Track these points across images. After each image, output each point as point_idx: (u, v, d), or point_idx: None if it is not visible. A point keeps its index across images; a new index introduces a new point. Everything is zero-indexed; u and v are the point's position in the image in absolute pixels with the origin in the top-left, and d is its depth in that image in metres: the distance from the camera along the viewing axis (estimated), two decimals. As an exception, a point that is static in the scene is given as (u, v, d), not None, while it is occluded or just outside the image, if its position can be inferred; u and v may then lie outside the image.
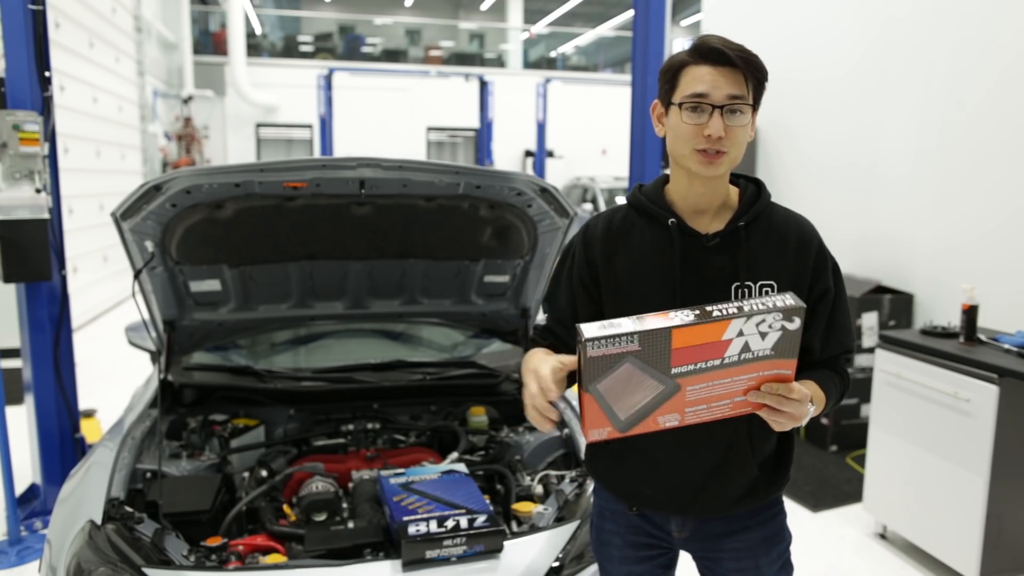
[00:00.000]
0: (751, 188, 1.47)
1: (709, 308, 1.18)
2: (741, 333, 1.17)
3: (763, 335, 1.17)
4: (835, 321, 1.46)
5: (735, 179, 1.49)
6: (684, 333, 1.15)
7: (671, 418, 1.23)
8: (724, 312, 1.16)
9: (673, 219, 1.42)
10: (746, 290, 1.39)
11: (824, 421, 4.32)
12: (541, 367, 1.33)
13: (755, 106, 1.36)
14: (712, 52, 1.32)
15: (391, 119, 16.93)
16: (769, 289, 1.39)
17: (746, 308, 1.16)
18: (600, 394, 1.19)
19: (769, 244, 1.41)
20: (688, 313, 1.17)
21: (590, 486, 2.13)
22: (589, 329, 1.17)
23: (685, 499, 1.48)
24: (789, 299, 1.18)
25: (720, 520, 1.51)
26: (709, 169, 1.35)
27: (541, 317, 3.48)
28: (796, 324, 1.17)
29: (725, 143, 1.32)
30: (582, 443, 2.37)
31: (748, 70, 1.32)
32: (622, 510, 1.57)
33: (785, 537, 1.57)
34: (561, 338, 1.52)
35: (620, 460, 1.53)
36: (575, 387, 1.30)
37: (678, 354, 1.16)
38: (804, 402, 1.25)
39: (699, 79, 1.32)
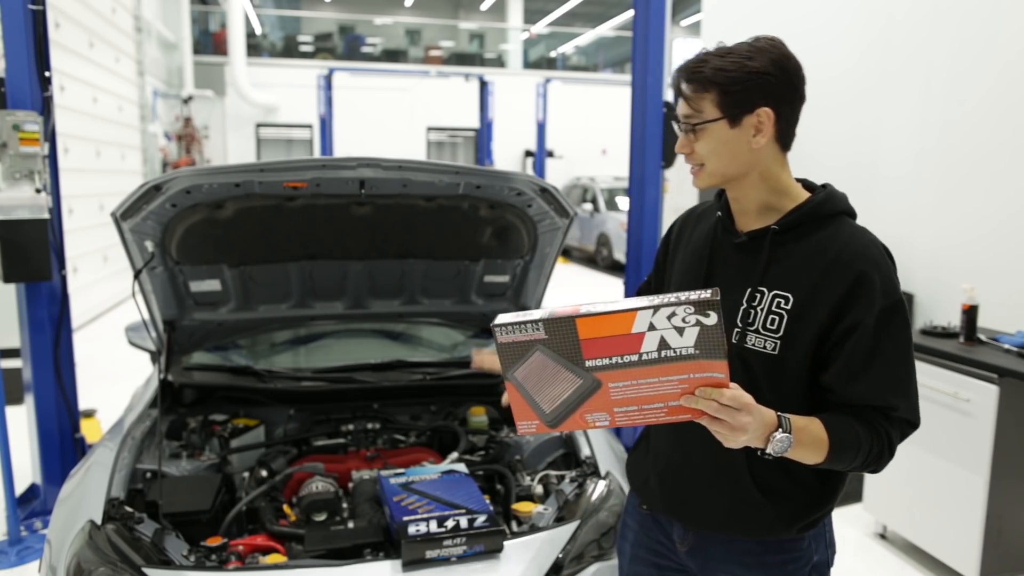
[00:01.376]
0: (818, 195, 1.38)
1: (618, 300, 1.16)
2: (653, 327, 1.11)
3: (679, 331, 1.11)
4: (871, 367, 1.26)
5: (813, 186, 1.42)
6: (590, 323, 1.13)
7: (600, 417, 1.20)
8: (632, 304, 1.12)
9: (720, 213, 1.45)
10: (758, 295, 1.33)
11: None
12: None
13: (732, 114, 1.30)
14: (676, 78, 1.36)
15: (391, 119, 16.93)
16: (782, 301, 1.30)
17: (656, 300, 1.12)
18: (519, 383, 1.19)
19: (801, 256, 1.32)
20: (598, 304, 1.15)
21: (590, 486, 2.13)
22: (502, 316, 1.18)
23: (679, 501, 1.46)
24: (705, 293, 1.11)
25: (720, 544, 1.42)
26: (696, 181, 1.40)
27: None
28: (713, 319, 1.09)
29: (694, 157, 1.36)
30: (583, 443, 2.38)
31: (700, 87, 1.31)
32: (636, 503, 1.59)
33: None
34: None
35: (640, 454, 1.58)
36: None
37: (588, 345, 1.13)
38: (745, 411, 1.13)
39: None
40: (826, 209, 1.35)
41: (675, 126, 1.39)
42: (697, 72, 1.32)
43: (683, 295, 1.11)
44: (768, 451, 1.19)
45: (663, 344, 1.12)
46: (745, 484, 1.37)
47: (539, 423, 1.23)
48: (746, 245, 1.38)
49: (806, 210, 1.34)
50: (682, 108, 1.36)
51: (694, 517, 1.46)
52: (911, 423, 1.32)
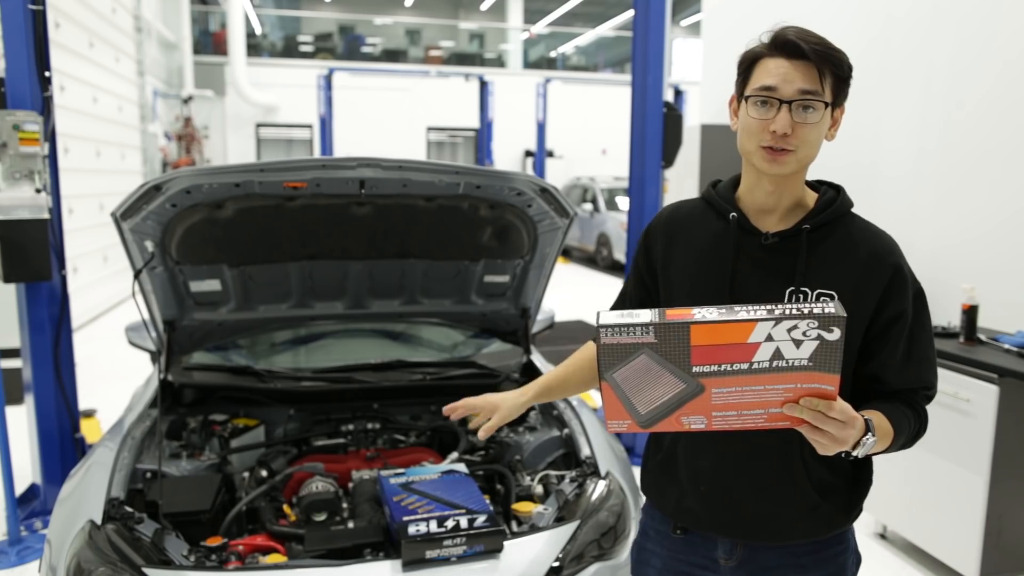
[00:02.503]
0: (830, 193, 1.38)
1: (737, 308, 1.12)
2: (771, 338, 1.09)
3: (797, 343, 1.09)
4: (913, 351, 1.33)
5: (818, 184, 1.41)
6: (705, 330, 1.10)
7: (697, 420, 1.17)
8: (751, 314, 1.10)
9: (735, 214, 1.36)
10: (801, 296, 1.30)
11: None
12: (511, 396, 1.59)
13: (835, 103, 1.28)
14: (787, 44, 1.25)
15: (391, 119, 16.93)
16: (827, 299, 1.28)
17: (776, 311, 1.09)
18: (617, 383, 1.15)
19: (835, 253, 1.31)
20: (713, 310, 1.11)
21: (590, 486, 2.13)
22: (607, 316, 1.13)
23: (732, 518, 1.38)
24: (830, 307, 1.09)
25: (773, 551, 1.38)
26: (773, 167, 1.28)
27: (543, 317, 3.49)
28: (836, 335, 1.08)
29: (792, 141, 1.25)
30: (583, 443, 2.37)
31: (824, 64, 1.24)
32: (667, 531, 1.47)
33: None
34: None
35: (666, 471, 1.45)
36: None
37: (699, 352, 1.10)
38: (850, 425, 1.13)
39: (770, 72, 1.26)
40: (846, 206, 1.37)
41: (761, 99, 1.26)
42: (823, 47, 1.24)
43: (805, 307, 1.09)
44: (856, 454, 1.20)
45: (776, 355, 1.10)
46: (804, 489, 1.35)
47: (631, 423, 1.19)
48: (777, 246, 1.33)
49: (833, 208, 1.34)
50: (800, 81, 1.24)
51: (749, 531, 1.38)
52: (933, 388, 1.39)
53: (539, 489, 2.31)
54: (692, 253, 1.41)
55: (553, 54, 21.11)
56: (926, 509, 3.08)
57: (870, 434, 1.19)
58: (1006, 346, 2.94)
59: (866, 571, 3.32)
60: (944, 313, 3.70)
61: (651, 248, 1.47)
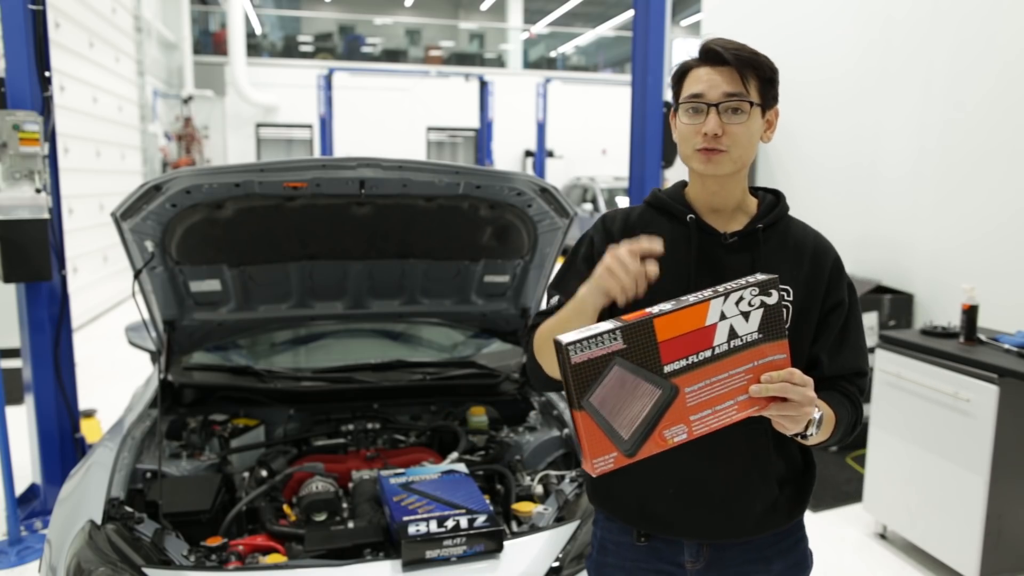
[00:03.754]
0: (769, 197, 1.47)
1: (686, 296, 1.15)
2: (723, 316, 1.14)
3: (746, 315, 1.15)
4: (847, 338, 1.42)
5: (755, 191, 1.48)
6: (666, 321, 1.11)
7: (678, 431, 1.15)
8: (701, 296, 1.14)
9: (692, 216, 1.41)
10: None
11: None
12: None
13: (764, 104, 1.35)
14: (709, 53, 1.33)
15: (391, 119, 16.93)
16: (784, 294, 1.33)
17: (721, 289, 1.14)
18: (595, 409, 1.11)
19: (785, 251, 1.40)
20: (666, 304, 1.14)
21: (590, 486, 2.13)
22: (567, 335, 1.09)
23: (700, 519, 1.38)
24: (760, 275, 1.16)
25: (738, 548, 1.41)
26: (709, 167, 1.34)
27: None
28: (774, 297, 1.15)
29: (724, 141, 1.31)
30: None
31: (745, 67, 1.31)
32: (628, 542, 1.46)
33: (808, 566, 1.49)
34: None
35: (626, 474, 1.37)
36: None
37: (666, 347, 1.12)
38: (808, 386, 1.19)
39: (698, 80, 1.34)
40: (786, 208, 1.46)
41: (692, 107, 1.32)
42: (743, 53, 1.31)
43: (742, 280, 1.15)
44: (809, 433, 1.25)
45: (732, 333, 1.15)
46: (768, 483, 1.39)
47: (617, 455, 1.15)
48: (737, 244, 1.39)
49: (778, 210, 1.43)
50: (725, 85, 1.31)
51: (718, 531, 1.39)
52: (865, 375, 1.46)
53: (539, 489, 2.31)
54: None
55: (553, 54, 21.11)
56: (926, 509, 3.08)
57: (817, 411, 1.25)
58: (1006, 346, 2.94)
59: (866, 571, 3.32)
60: (944, 313, 3.71)
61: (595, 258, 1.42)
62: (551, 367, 1.34)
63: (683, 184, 1.49)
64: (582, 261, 1.47)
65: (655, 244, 1.23)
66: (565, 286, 1.45)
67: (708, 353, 1.14)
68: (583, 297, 1.28)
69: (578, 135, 17.47)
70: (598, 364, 1.10)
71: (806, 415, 1.21)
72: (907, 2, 4.08)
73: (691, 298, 1.14)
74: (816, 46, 4.72)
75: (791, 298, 1.36)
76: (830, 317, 1.40)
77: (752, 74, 1.33)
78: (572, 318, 1.28)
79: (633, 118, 4.33)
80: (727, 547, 1.41)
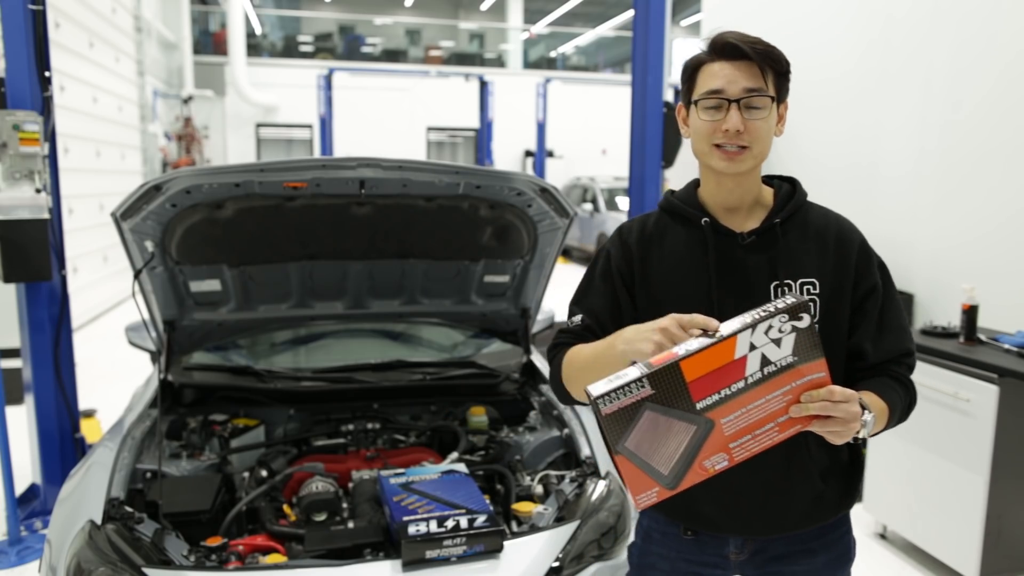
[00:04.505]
0: (786, 187, 1.43)
1: (711, 331, 1.12)
2: (753, 347, 1.11)
3: (777, 342, 1.11)
4: (886, 320, 1.38)
5: (769, 179, 1.45)
6: (694, 362, 1.09)
7: (718, 459, 1.15)
8: (727, 331, 1.11)
9: (706, 219, 1.38)
10: (786, 288, 1.33)
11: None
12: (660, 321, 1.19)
13: (779, 98, 1.33)
14: (726, 47, 1.30)
15: (391, 119, 16.93)
16: (811, 287, 1.33)
17: (748, 319, 1.11)
18: (632, 452, 1.12)
19: (807, 242, 1.36)
20: (692, 341, 1.11)
21: (590, 486, 2.13)
22: (596, 387, 1.10)
23: (746, 517, 1.40)
24: (790, 298, 1.13)
25: (782, 540, 1.42)
26: (731, 166, 1.31)
27: (543, 317, 3.49)
28: (806, 321, 1.11)
29: (745, 138, 1.29)
30: (583, 443, 2.37)
31: (765, 62, 1.29)
32: (675, 533, 1.47)
33: (851, 557, 1.49)
34: (595, 335, 1.41)
35: None
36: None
37: (696, 386, 1.10)
38: (852, 401, 1.16)
39: (714, 75, 1.30)
40: (803, 196, 1.42)
41: (710, 103, 1.29)
42: (760, 46, 1.29)
43: (770, 307, 1.12)
44: (861, 435, 1.22)
45: (764, 361, 1.12)
46: (811, 478, 1.38)
47: (659, 489, 1.16)
48: (754, 244, 1.36)
49: (795, 200, 1.40)
50: (744, 80, 1.28)
51: (763, 528, 1.40)
52: (912, 354, 1.42)
53: (539, 489, 2.31)
54: (668, 263, 1.40)
55: (553, 54, 21.11)
56: (926, 509, 3.08)
57: (867, 411, 1.22)
58: (1006, 346, 2.94)
59: (866, 571, 3.33)
60: (944, 313, 3.70)
61: (630, 260, 1.43)
62: (579, 394, 1.36)
63: (695, 184, 1.46)
64: (600, 276, 1.47)
65: (710, 323, 1.14)
66: (587, 304, 1.46)
67: (741, 384, 1.12)
68: (619, 352, 1.22)
69: (578, 135, 17.46)
70: (629, 412, 1.10)
71: (852, 430, 1.18)
72: (907, 2, 4.08)
73: (719, 332, 1.11)
74: (816, 46, 4.72)
75: (817, 291, 1.34)
76: (866, 304, 1.37)
77: (770, 67, 1.30)
78: (602, 367, 1.22)
79: (633, 118, 4.33)
80: (771, 540, 1.42)
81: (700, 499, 1.40)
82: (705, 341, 1.10)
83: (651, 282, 1.41)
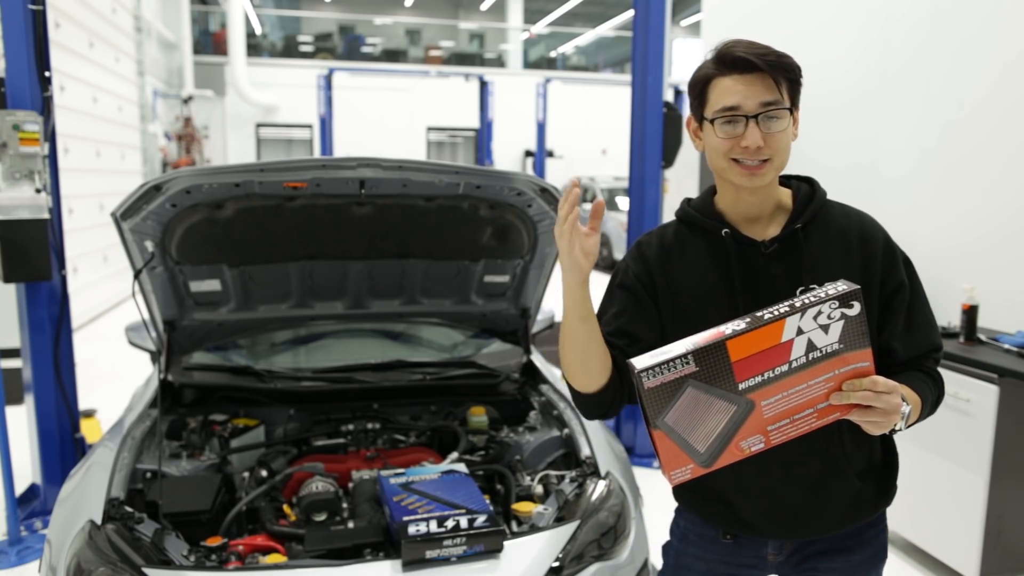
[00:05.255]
0: (804, 188, 1.41)
1: (760, 313, 1.11)
2: (800, 331, 1.10)
3: (825, 328, 1.10)
4: (914, 317, 1.37)
5: (786, 180, 1.43)
6: (740, 342, 1.09)
7: (755, 441, 1.15)
8: (776, 312, 1.10)
9: (727, 229, 1.36)
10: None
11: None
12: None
13: (793, 106, 1.31)
14: (736, 61, 1.26)
15: (391, 119, 16.93)
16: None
17: (798, 304, 1.10)
18: (671, 427, 1.12)
19: (831, 244, 1.35)
20: (739, 322, 1.11)
21: (590, 486, 2.13)
22: (640, 360, 1.10)
23: (785, 520, 1.39)
24: (841, 285, 1.11)
25: (820, 540, 1.42)
26: (753, 180, 1.29)
27: (543, 317, 3.49)
28: (856, 309, 1.10)
29: (766, 151, 1.27)
30: (583, 443, 2.37)
31: (777, 72, 1.26)
32: (712, 535, 1.47)
33: (885, 555, 1.50)
34: (619, 347, 1.37)
35: (708, 486, 1.40)
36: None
37: (740, 366, 1.10)
38: (894, 393, 1.16)
39: (728, 91, 1.27)
40: (823, 196, 1.41)
41: (727, 119, 1.26)
42: (771, 56, 1.26)
43: (821, 292, 1.11)
44: (899, 427, 1.23)
45: (810, 346, 1.11)
46: (848, 478, 1.38)
47: (694, 466, 1.16)
48: (777, 252, 1.34)
49: (815, 202, 1.38)
50: (760, 94, 1.25)
51: (803, 530, 1.40)
52: (939, 349, 1.43)
53: (539, 489, 2.31)
54: (692, 275, 1.39)
55: (553, 54, 21.11)
56: (926, 509, 3.08)
57: (905, 403, 1.22)
58: (1006, 346, 2.94)
59: (866, 571, 3.30)
60: (944, 313, 3.70)
61: (651, 271, 1.41)
62: (583, 385, 1.34)
63: (712, 192, 1.43)
64: (618, 288, 1.45)
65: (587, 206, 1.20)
66: (607, 316, 1.43)
67: (785, 367, 1.11)
68: (564, 281, 1.28)
69: (578, 135, 17.47)
70: (671, 387, 1.10)
71: (891, 421, 1.18)
72: (907, 2, 4.08)
73: (766, 314, 1.11)
74: (816, 46, 4.72)
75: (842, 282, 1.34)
76: (893, 302, 1.35)
77: (783, 77, 1.28)
78: (569, 309, 1.29)
79: (633, 118, 4.33)
80: (810, 540, 1.43)
81: (739, 506, 1.41)
82: (750, 323, 1.10)
83: (676, 293, 1.40)
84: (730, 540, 1.46)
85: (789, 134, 1.31)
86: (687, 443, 1.14)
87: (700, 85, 1.32)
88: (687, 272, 1.39)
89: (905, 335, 1.36)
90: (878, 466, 1.43)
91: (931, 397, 1.35)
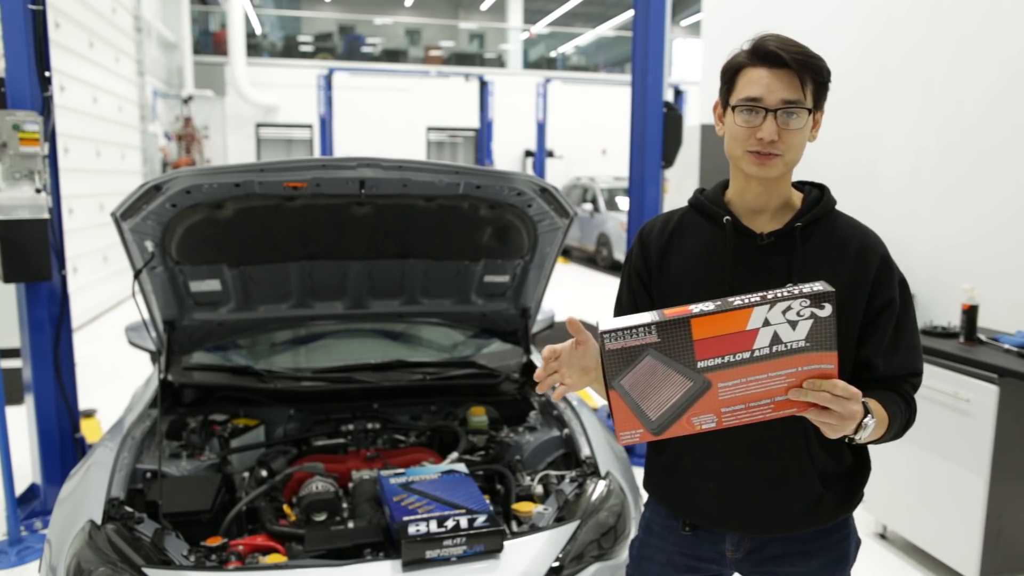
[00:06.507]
0: (814, 192, 1.44)
1: (732, 299, 1.13)
2: (767, 323, 1.12)
3: (793, 324, 1.12)
4: (902, 336, 1.39)
5: (801, 185, 1.46)
6: (705, 322, 1.11)
7: (707, 419, 1.17)
8: (746, 301, 1.12)
9: (728, 217, 1.40)
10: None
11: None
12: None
13: (816, 107, 1.33)
14: (768, 54, 1.29)
15: (391, 119, 16.93)
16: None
17: (769, 295, 1.12)
18: (625, 391, 1.16)
19: (828, 249, 1.37)
20: (709, 304, 1.13)
21: (590, 486, 2.13)
22: (608, 322, 1.14)
23: (741, 513, 1.42)
24: (818, 285, 1.12)
25: (779, 541, 1.44)
26: (762, 170, 1.33)
27: (543, 317, 3.49)
28: (827, 311, 1.11)
29: (778, 146, 1.30)
30: (583, 443, 2.37)
31: (805, 72, 1.29)
32: (674, 527, 1.51)
33: (849, 562, 1.49)
34: None
35: (673, 472, 1.47)
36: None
37: (701, 346, 1.12)
38: (854, 400, 1.17)
39: (754, 82, 1.30)
40: (831, 204, 1.43)
41: (747, 108, 1.30)
42: (802, 56, 1.29)
43: (795, 289, 1.12)
44: (857, 437, 1.23)
45: (775, 339, 1.13)
46: (811, 481, 1.39)
47: (643, 431, 1.19)
48: (773, 245, 1.38)
49: (821, 206, 1.40)
50: (783, 91, 1.28)
51: (759, 526, 1.42)
52: (919, 375, 1.43)
53: (539, 489, 2.31)
54: (688, 258, 1.44)
55: (553, 54, 21.11)
56: (926, 509, 3.08)
57: (870, 416, 1.23)
58: (1006, 346, 2.94)
59: (866, 571, 3.32)
60: (944, 313, 3.70)
61: (647, 257, 1.48)
62: None
63: (724, 184, 1.48)
64: (625, 280, 1.53)
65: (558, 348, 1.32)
66: (620, 302, 1.54)
67: (747, 355, 1.13)
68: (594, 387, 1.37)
69: (578, 135, 17.46)
70: (631, 352, 1.13)
71: (846, 427, 1.19)
72: (907, 2, 4.08)
73: (736, 301, 1.13)
74: (816, 46, 4.72)
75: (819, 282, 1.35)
76: (880, 318, 1.37)
77: (810, 78, 1.30)
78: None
79: (633, 118, 4.33)
80: (768, 540, 1.44)
81: (700, 492, 1.44)
82: (719, 307, 1.12)
83: (668, 274, 1.45)
84: (689, 532, 1.49)
85: (805, 133, 1.33)
86: (640, 409, 1.17)
87: (731, 72, 1.36)
88: (684, 256, 1.44)
89: (889, 352, 1.38)
90: (845, 474, 1.43)
91: (900, 420, 1.35)
